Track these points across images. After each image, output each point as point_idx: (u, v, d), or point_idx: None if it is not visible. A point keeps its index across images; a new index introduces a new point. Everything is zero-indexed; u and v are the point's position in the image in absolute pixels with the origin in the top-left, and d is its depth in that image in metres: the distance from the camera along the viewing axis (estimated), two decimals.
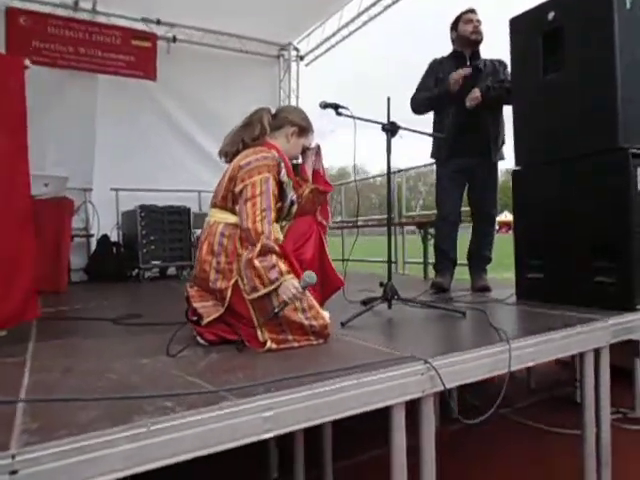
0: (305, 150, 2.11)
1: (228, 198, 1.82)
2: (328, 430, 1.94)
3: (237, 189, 1.78)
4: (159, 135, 5.82)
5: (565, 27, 2.37)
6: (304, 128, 2.07)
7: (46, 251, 3.86)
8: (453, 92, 2.96)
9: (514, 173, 2.69)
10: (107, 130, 5.44)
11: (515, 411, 2.81)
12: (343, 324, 2.08)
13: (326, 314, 2.17)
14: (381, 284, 2.35)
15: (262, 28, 6.02)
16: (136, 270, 4.92)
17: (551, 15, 2.43)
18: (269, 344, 1.67)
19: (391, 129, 2.30)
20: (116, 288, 4.36)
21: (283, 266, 1.67)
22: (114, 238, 5.31)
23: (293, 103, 6.72)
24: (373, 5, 5.36)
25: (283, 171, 1.85)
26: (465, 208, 3.33)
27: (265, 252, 1.65)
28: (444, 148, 3.14)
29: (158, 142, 5.78)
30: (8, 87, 1.91)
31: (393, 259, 5.02)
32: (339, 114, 2.37)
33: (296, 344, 1.71)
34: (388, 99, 2.32)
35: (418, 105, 3.16)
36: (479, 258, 3.22)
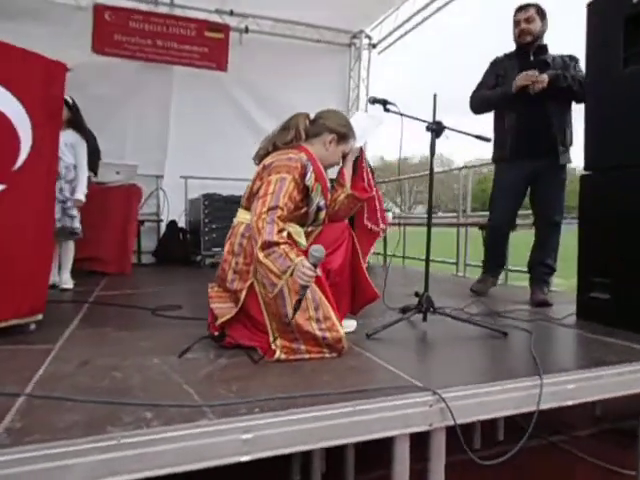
0: (345, 155, 2.02)
1: (251, 199, 1.78)
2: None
3: (255, 187, 1.75)
4: (229, 125, 5.94)
5: None
6: (344, 135, 1.97)
7: (113, 235, 4.14)
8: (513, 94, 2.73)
9: (582, 179, 2.39)
10: (180, 119, 5.66)
11: (571, 440, 2.54)
12: (368, 336, 1.98)
13: (353, 323, 2.10)
14: (416, 294, 2.20)
15: (333, 16, 5.90)
16: (199, 256, 5.11)
17: None
18: (278, 354, 1.62)
19: (436, 129, 2.12)
20: (177, 273, 4.55)
21: (291, 253, 1.60)
22: (182, 224, 5.55)
23: (362, 92, 6.56)
24: None
25: (309, 174, 1.77)
26: (526, 211, 3.06)
27: (268, 245, 1.59)
28: (506, 150, 2.90)
29: (228, 131, 5.91)
30: (53, 91, 2.02)
31: (453, 260, 4.76)
32: (387, 110, 2.27)
33: (307, 356, 1.65)
34: (434, 96, 2.15)
35: (477, 105, 2.98)
36: (541, 268, 2.93)
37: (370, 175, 2.06)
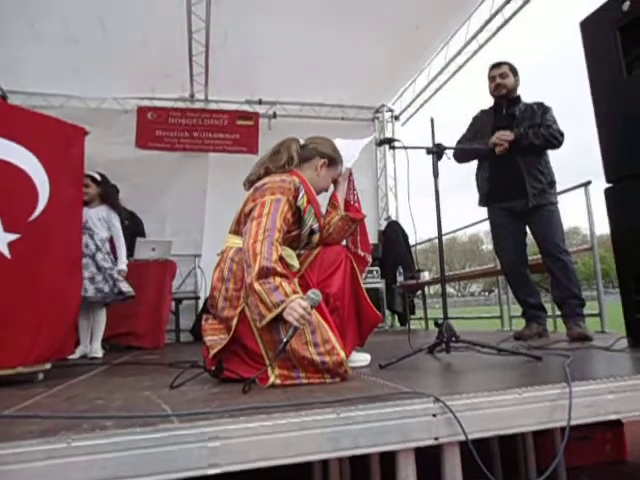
0: (335, 180, 2.02)
1: (241, 221, 1.76)
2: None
3: (247, 208, 1.72)
4: None
5: None
6: (334, 159, 1.98)
7: (147, 309, 4.19)
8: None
9: (606, 192, 2.23)
10: (215, 201, 5.93)
11: None
12: (382, 366, 1.81)
13: (366, 356, 1.95)
14: (436, 324, 2.03)
15: (355, 94, 6.26)
16: None
17: (626, 5, 2.09)
18: (273, 379, 1.50)
19: (437, 151, 2.10)
20: None
21: (288, 287, 1.51)
22: None
23: (389, 164, 6.72)
24: (458, 54, 5.27)
25: (301, 195, 1.76)
26: None
27: (265, 274, 1.51)
28: (484, 195, 3.06)
29: None
30: (73, 151, 2.19)
31: (499, 314, 4.45)
32: (392, 147, 2.32)
33: (305, 381, 1.52)
34: (432, 120, 2.15)
35: (458, 156, 3.00)
36: (569, 302, 2.75)
37: (358, 198, 2.04)
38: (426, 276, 4.88)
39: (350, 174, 2.09)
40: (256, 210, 1.67)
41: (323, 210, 1.96)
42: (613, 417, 1.31)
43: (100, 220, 3.42)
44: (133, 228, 4.85)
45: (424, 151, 2.15)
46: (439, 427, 1.16)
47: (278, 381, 1.50)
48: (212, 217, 5.95)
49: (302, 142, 1.99)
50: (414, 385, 1.38)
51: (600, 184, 2.31)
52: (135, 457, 0.98)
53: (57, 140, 2.13)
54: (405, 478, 1.13)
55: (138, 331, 4.13)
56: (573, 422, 1.23)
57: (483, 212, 3.28)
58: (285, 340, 1.47)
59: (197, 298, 5.68)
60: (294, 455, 1.06)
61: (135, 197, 5.10)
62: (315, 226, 1.82)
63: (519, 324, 4.08)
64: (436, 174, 2.10)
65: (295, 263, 1.72)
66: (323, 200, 2.00)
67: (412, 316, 5.83)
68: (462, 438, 1.16)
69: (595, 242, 3.30)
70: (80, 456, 0.96)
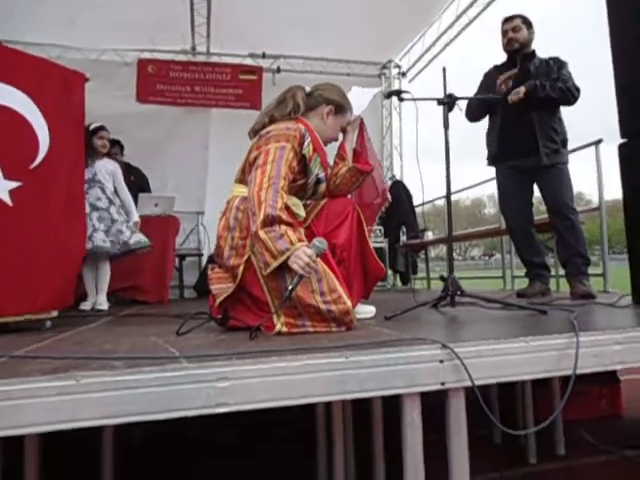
0: (344, 128, 1.97)
1: (246, 170, 1.73)
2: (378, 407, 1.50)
3: (252, 156, 1.69)
4: None
5: None
6: (341, 105, 1.92)
7: (151, 265, 4.20)
8: (501, 94, 2.76)
9: (620, 147, 2.17)
10: (218, 157, 5.83)
11: None
12: (387, 318, 1.82)
13: (371, 308, 1.96)
14: (442, 278, 2.03)
15: (362, 49, 6.05)
16: None
17: None
18: (279, 327, 1.51)
19: (448, 101, 2.04)
20: None
21: (293, 235, 1.49)
22: None
23: (395, 122, 6.58)
24: (470, 7, 5.05)
25: (306, 143, 1.71)
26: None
27: (270, 222, 1.49)
28: (493, 152, 2.96)
29: None
30: (73, 98, 2.13)
31: (500, 274, 4.46)
32: (401, 99, 2.26)
33: (312, 329, 1.52)
34: (444, 70, 2.07)
35: (470, 111, 2.92)
36: (574, 260, 2.74)
37: (372, 147, 2.00)
38: (430, 235, 4.87)
39: (361, 122, 2.03)
40: (261, 158, 1.63)
41: (330, 161, 1.92)
42: (619, 367, 1.32)
43: (108, 173, 3.40)
44: (139, 183, 4.82)
45: (431, 111, 2.09)
46: (446, 373, 1.17)
47: (284, 329, 1.51)
48: (215, 174, 5.87)
49: (308, 90, 1.92)
50: (420, 334, 1.38)
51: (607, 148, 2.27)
52: (143, 395, 0.99)
53: (57, 86, 2.07)
54: (411, 422, 1.15)
55: (142, 286, 4.16)
56: (579, 371, 1.24)
57: (487, 174, 3.23)
58: (290, 288, 1.47)
59: (200, 255, 5.69)
60: (302, 396, 1.07)
61: (136, 152, 5.02)
62: (321, 175, 1.79)
63: (521, 283, 4.11)
64: (447, 126, 2.04)
65: (301, 212, 1.70)
66: (331, 151, 1.95)
67: (414, 276, 5.86)
68: (468, 384, 1.16)
69: (603, 202, 3.25)
70: (89, 393, 0.96)
